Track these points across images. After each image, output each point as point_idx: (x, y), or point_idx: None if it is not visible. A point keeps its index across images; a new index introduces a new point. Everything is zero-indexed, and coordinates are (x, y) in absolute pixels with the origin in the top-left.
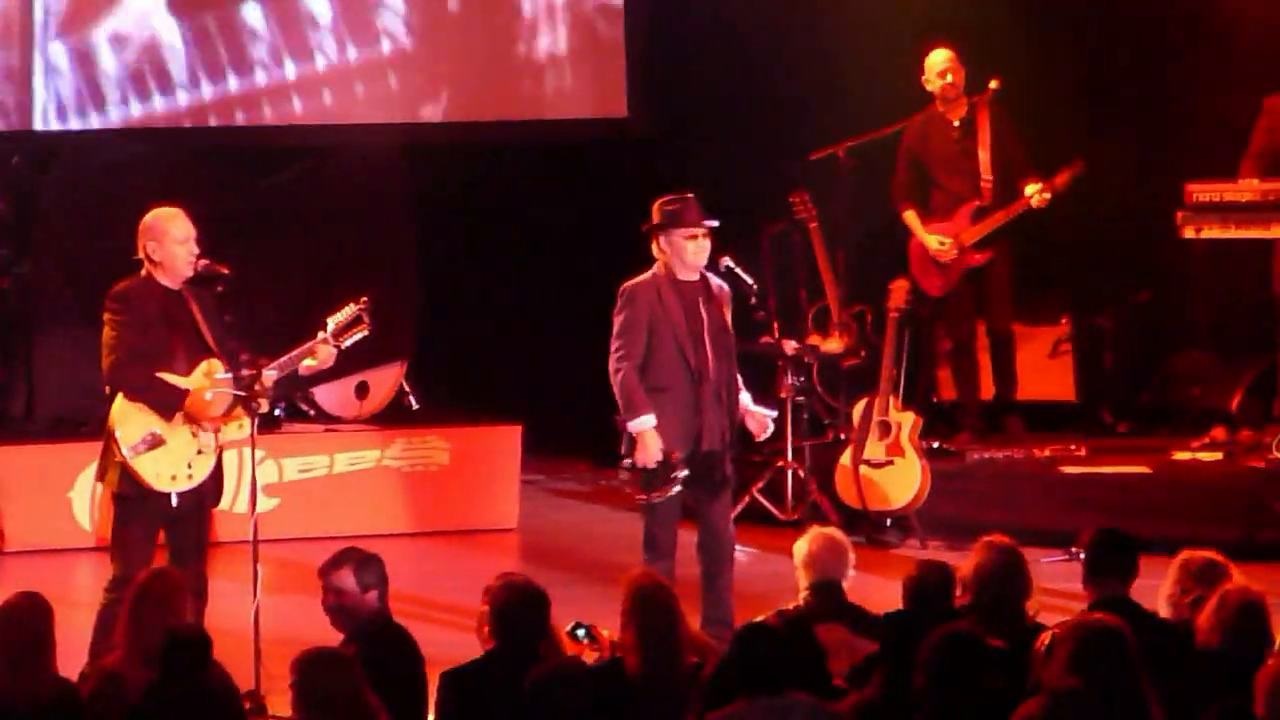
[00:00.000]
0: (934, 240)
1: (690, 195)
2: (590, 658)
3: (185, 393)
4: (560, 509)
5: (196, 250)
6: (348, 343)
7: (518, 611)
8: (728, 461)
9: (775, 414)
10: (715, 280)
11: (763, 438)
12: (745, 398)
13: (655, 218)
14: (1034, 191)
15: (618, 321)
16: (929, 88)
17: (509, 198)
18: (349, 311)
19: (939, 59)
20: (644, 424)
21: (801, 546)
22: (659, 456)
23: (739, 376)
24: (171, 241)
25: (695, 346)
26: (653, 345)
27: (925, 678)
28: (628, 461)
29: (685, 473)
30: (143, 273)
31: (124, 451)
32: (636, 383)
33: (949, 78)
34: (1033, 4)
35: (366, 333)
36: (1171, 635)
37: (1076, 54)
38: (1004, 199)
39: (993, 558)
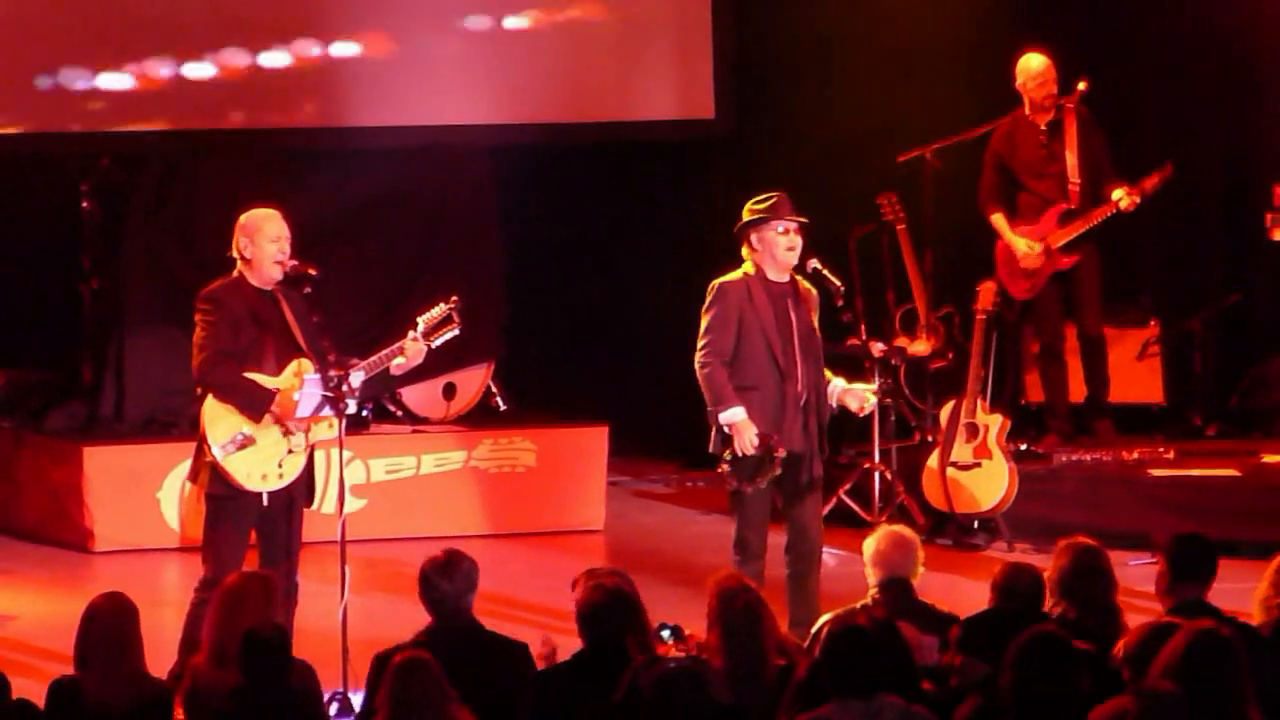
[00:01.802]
0: (1022, 244)
1: (780, 193)
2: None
3: (273, 393)
4: (646, 510)
5: (288, 251)
6: (438, 342)
7: (603, 612)
8: (816, 463)
9: (874, 386)
10: (803, 283)
11: (865, 413)
12: (838, 382)
13: (746, 217)
14: (1121, 195)
15: (706, 318)
16: (1024, 93)
17: (595, 198)
18: (439, 310)
19: (1038, 66)
20: (735, 414)
21: (870, 544)
22: (756, 442)
23: (826, 369)
24: (264, 239)
25: (784, 347)
26: (741, 344)
27: (1011, 678)
28: (727, 453)
29: (784, 454)
30: (234, 273)
31: (214, 451)
32: (724, 376)
33: (1050, 88)
34: (1119, 5)
35: (457, 332)
36: (1253, 637)
37: (1163, 55)
38: (1091, 202)
39: (1073, 560)
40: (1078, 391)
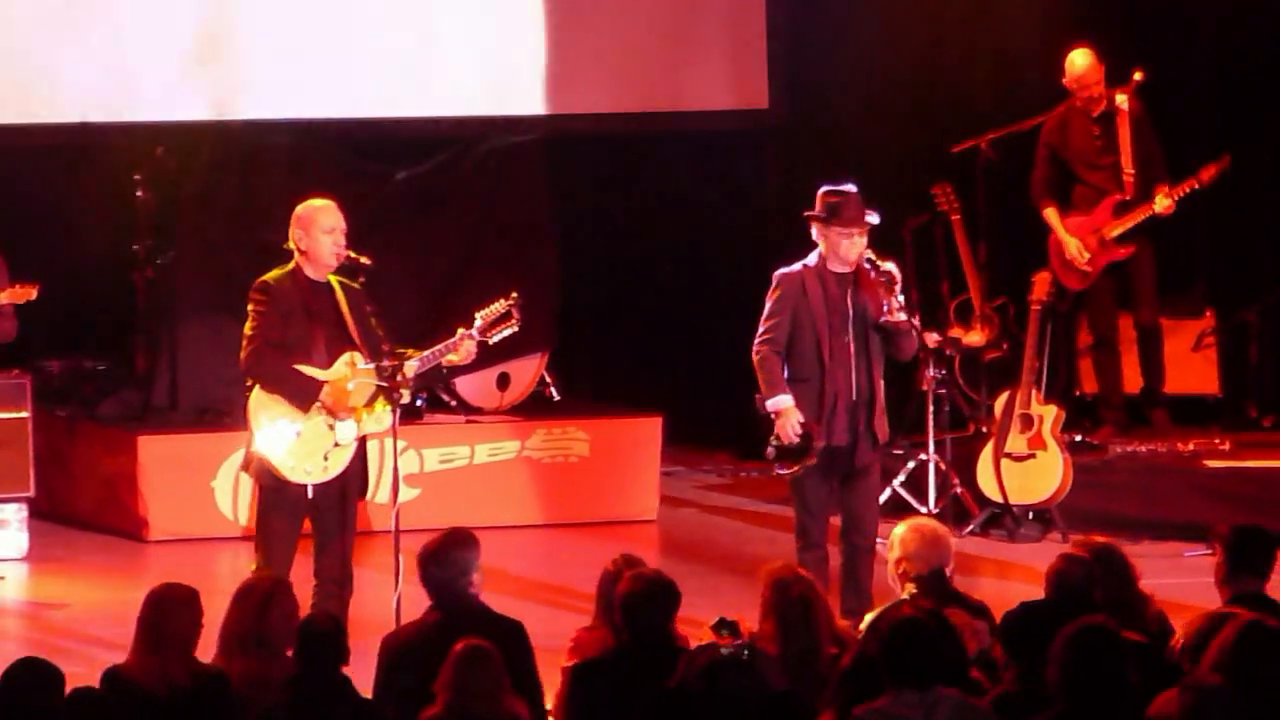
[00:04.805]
0: (1073, 245)
1: (852, 190)
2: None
3: (320, 384)
4: (700, 501)
5: (343, 243)
6: (495, 339)
7: (643, 603)
8: (863, 453)
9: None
10: (869, 268)
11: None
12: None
13: (817, 206)
14: (1160, 199)
15: (766, 306)
16: (1072, 89)
17: (649, 188)
18: (498, 307)
19: (1081, 67)
20: (780, 402)
21: (900, 544)
22: (799, 430)
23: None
24: (319, 230)
25: (834, 341)
26: (794, 337)
27: (1060, 670)
28: (773, 438)
29: (821, 445)
30: (290, 264)
31: (258, 442)
32: (775, 363)
33: (1093, 90)
34: None
35: (515, 329)
36: None
37: (1220, 45)
38: (1146, 193)
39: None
40: (1132, 383)
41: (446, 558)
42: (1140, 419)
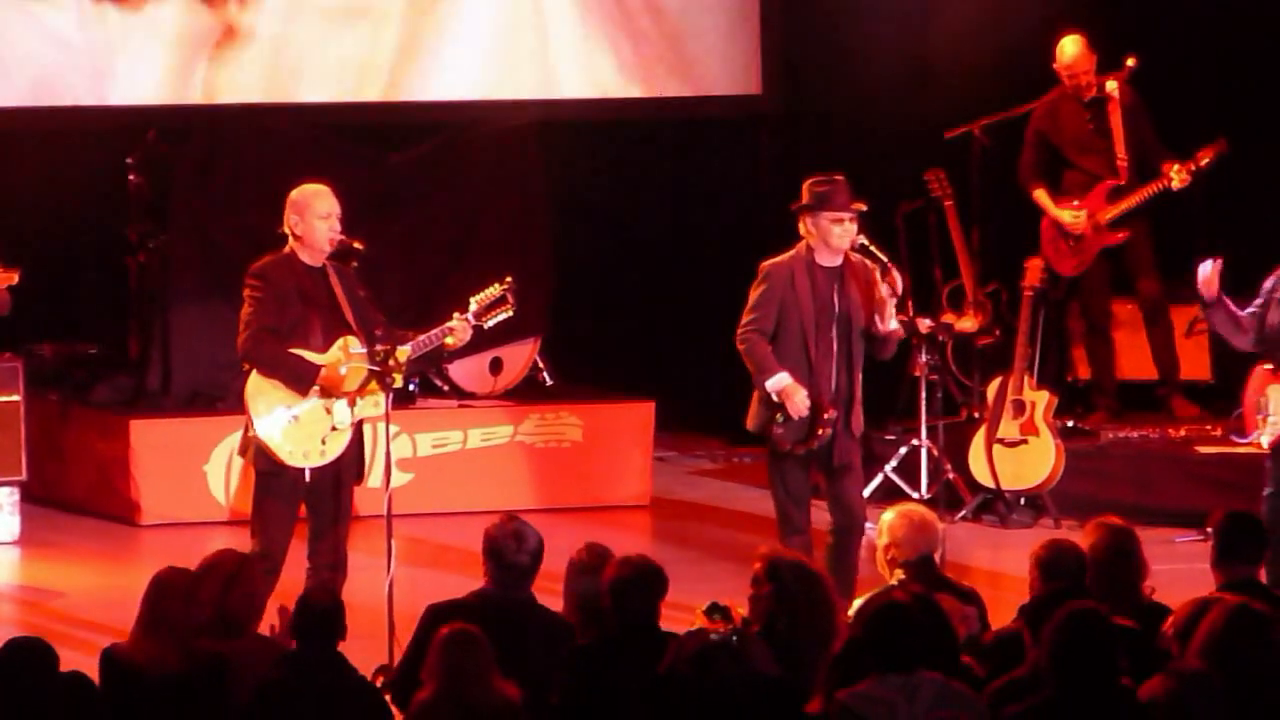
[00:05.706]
0: (1067, 214)
1: (840, 178)
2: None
3: (318, 368)
4: (693, 486)
5: (338, 228)
6: (490, 323)
7: (632, 588)
8: (839, 452)
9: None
10: (858, 258)
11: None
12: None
13: (804, 198)
14: (1175, 172)
15: (752, 296)
16: (1061, 76)
17: (642, 174)
18: (493, 291)
19: (1071, 55)
20: (781, 380)
21: (888, 529)
22: (808, 403)
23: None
24: (314, 216)
25: (819, 337)
26: (779, 328)
27: (1048, 655)
28: (780, 416)
29: (834, 414)
30: (286, 249)
31: (257, 427)
32: (765, 347)
33: (1082, 78)
34: None
35: (510, 314)
36: None
37: (1216, 30)
38: (1140, 178)
39: (1105, 538)
40: (1128, 368)
41: (527, 546)
42: (1164, 406)
